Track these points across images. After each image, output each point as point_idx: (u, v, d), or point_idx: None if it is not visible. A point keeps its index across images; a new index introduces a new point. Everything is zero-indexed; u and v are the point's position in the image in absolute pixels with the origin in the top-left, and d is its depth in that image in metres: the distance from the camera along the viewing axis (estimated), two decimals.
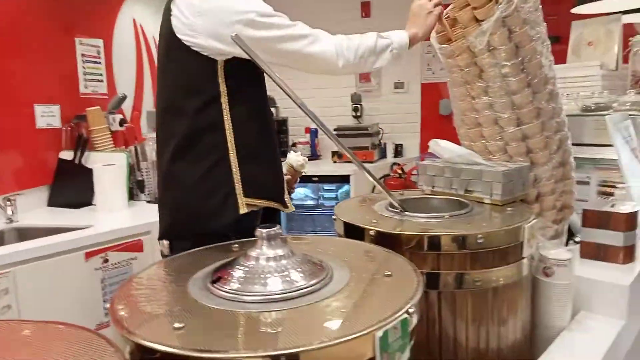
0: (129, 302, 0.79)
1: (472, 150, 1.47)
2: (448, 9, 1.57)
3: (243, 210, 1.43)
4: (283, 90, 1.09)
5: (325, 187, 4.17)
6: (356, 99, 4.40)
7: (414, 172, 4.11)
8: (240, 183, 1.44)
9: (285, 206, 1.63)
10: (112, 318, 0.72)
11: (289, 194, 1.78)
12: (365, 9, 4.35)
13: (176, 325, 0.68)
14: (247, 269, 0.83)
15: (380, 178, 3.80)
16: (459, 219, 1.18)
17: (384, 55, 1.53)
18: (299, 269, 0.83)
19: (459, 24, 1.49)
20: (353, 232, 1.16)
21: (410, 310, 0.71)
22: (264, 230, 0.86)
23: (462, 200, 1.33)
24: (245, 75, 1.44)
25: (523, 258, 1.09)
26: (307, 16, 4.43)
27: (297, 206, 4.26)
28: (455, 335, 1.05)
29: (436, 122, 4.30)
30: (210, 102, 1.41)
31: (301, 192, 4.21)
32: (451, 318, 1.04)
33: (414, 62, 4.32)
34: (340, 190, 4.12)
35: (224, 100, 1.41)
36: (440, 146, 1.40)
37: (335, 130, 3.96)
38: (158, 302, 0.80)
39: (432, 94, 4.32)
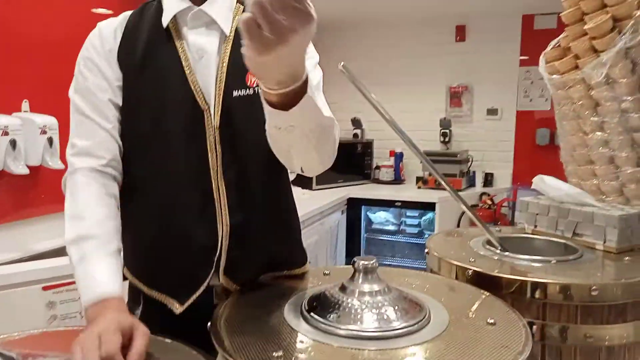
0: (228, 325, 0.82)
1: (581, 189, 1.35)
2: (560, 37, 1.48)
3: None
4: (382, 115, 1.08)
5: (408, 213, 4.07)
6: (445, 124, 4.28)
7: (504, 204, 3.89)
8: None
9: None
10: (215, 340, 0.75)
11: None
12: (460, 33, 4.25)
13: (275, 354, 0.69)
14: (343, 302, 0.82)
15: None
16: (567, 265, 1.09)
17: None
18: (396, 307, 0.81)
19: (573, 53, 1.40)
20: (448, 269, 1.11)
21: None
22: (361, 263, 0.85)
23: (569, 243, 1.23)
24: None
25: None
26: (401, 40, 4.43)
27: (377, 230, 4.23)
28: None
29: (531, 152, 4.05)
30: None
31: (382, 217, 4.15)
32: None
33: (510, 88, 4.13)
34: (423, 218, 4.01)
35: None
36: (546, 183, 1.31)
37: None
38: (255, 327, 0.81)
39: (528, 122, 4.09)
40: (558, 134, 1.54)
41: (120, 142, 0.91)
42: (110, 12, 0.93)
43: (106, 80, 0.90)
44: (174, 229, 0.91)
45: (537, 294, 0.97)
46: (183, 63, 0.90)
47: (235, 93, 0.90)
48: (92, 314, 0.73)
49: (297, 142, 0.77)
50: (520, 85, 4.12)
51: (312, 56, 0.93)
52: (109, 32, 0.92)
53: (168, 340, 0.74)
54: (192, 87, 0.90)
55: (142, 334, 0.68)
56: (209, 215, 0.90)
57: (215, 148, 0.90)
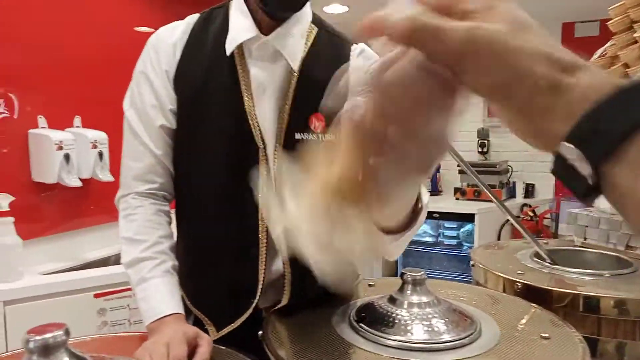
0: (278, 334, 0.83)
1: None
2: (607, 45, 1.45)
3: None
4: None
5: (446, 225, 4.01)
6: (483, 135, 4.21)
7: (547, 215, 3.78)
8: None
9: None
10: (268, 348, 0.76)
11: None
12: (568, 31, 4.16)
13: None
14: (392, 313, 0.82)
15: (508, 220, 3.56)
16: (622, 279, 1.05)
17: None
18: (446, 319, 0.80)
19: (622, 62, 1.36)
20: (495, 281, 1.09)
21: None
22: (410, 274, 0.85)
23: (622, 256, 1.19)
24: None
25: None
26: None
27: (414, 242, 4.17)
28: None
29: None
30: None
31: (420, 228, 4.10)
32: None
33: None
34: (462, 230, 3.94)
35: None
36: None
37: (459, 166, 3.82)
38: (305, 336, 0.82)
39: None
40: None
41: (171, 168, 0.90)
42: (152, 29, 0.92)
43: (160, 102, 0.87)
44: (217, 264, 0.90)
45: (591, 309, 0.94)
46: (244, 95, 0.84)
47: (297, 136, 0.84)
48: (154, 329, 0.75)
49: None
50: None
51: None
52: (167, 47, 0.87)
53: (223, 348, 0.76)
54: (251, 123, 0.84)
55: (206, 342, 0.71)
56: (252, 257, 0.87)
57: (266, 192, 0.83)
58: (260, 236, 0.87)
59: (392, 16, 0.29)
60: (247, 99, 0.84)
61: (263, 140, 0.84)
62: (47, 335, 0.53)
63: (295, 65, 0.84)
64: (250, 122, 0.84)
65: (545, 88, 0.28)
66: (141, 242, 0.84)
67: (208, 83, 0.85)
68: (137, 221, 0.86)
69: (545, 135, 0.29)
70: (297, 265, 0.88)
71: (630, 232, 1.20)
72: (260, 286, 0.87)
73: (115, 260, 2.01)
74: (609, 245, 1.24)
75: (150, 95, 0.87)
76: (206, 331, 0.89)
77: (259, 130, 0.84)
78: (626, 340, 0.91)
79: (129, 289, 1.75)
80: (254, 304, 0.87)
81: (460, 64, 0.28)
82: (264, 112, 0.85)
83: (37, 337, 0.53)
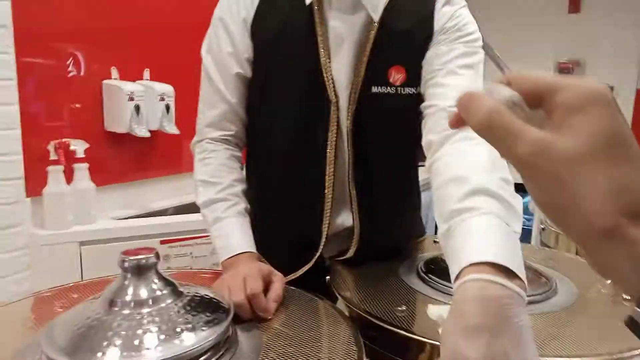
0: (347, 280, 0.84)
1: None
2: None
3: None
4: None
5: None
6: None
7: None
8: None
9: None
10: (337, 291, 0.78)
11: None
12: (574, 3, 3.89)
13: (399, 308, 0.70)
14: None
15: None
16: None
17: None
18: None
19: None
20: (566, 244, 1.05)
21: None
22: None
23: None
24: None
25: None
26: (508, 11, 4.15)
27: None
28: None
29: None
30: None
31: None
32: None
33: (629, 64, 3.73)
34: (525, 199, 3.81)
35: None
36: None
37: None
38: (373, 284, 0.83)
39: None
40: None
41: (245, 116, 0.91)
42: None
43: (236, 50, 0.86)
44: (282, 215, 0.92)
45: None
46: (320, 48, 0.81)
47: (374, 89, 0.82)
48: (230, 265, 0.78)
49: None
50: None
51: (477, 37, 0.81)
52: None
53: (293, 288, 0.78)
54: (325, 76, 0.82)
55: (279, 279, 0.73)
56: (316, 212, 0.87)
57: (335, 144, 0.83)
58: (325, 191, 0.86)
59: (473, 106, 0.29)
60: (322, 51, 0.82)
61: (336, 94, 0.82)
62: (140, 257, 0.56)
63: (376, 16, 0.80)
64: (324, 75, 0.82)
65: (601, 236, 0.25)
66: (216, 184, 0.86)
67: (284, 33, 0.83)
68: (212, 165, 0.88)
69: (603, 274, 0.27)
70: (367, 220, 0.88)
71: None
72: (323, 240, 0.88)
73: (173, 211, 2.11)
74: None
75: (227, 42, 0.86)
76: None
77: (332, 83, 0.82)
78: None
79: (192, 238, 1.84)
80: (316, 256, 0.88)
81: (524, 172, 0.27)
82: (341, 65, 0.82)
83: (131, 258, 0.56)
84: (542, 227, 1.14)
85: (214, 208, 0.84)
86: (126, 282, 0.56)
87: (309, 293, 0.77)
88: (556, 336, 0.64)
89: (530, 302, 0.72)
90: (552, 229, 1.10)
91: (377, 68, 0.81)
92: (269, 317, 0.67)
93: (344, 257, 0.91)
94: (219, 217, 0.83)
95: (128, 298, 0.55)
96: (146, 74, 2.01)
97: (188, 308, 0.56)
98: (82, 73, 1.83)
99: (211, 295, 0.61)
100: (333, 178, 0.85)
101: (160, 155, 2.11)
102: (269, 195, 0.93)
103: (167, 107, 1.98)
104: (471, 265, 0.48)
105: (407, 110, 0.81)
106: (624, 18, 3.72)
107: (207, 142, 0.90)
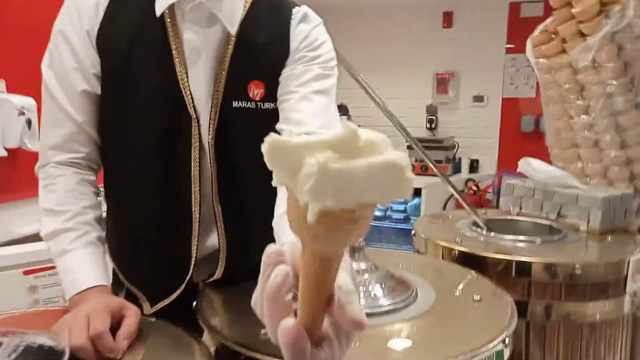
0: (212, 304, 0.81)
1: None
2: (547, 21, 1.48)
3: None
4: (372, 97, 1.07)
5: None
6: (431, 111, 4.30)
7: (489, 190, 3.93)
8: None
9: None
10: (201, 319, 0.74)
11: None
12: (447, 19, 4.25)
13: (263, 331, 0.68)
14: None
15: (453, 194, 3.67)
16: (552, 245, 1.10)
17: None
18: (382, 284, 0.81)
19: (560, 37, 1.40)
20: (434, 250, 1.11)
21: (506, 341, 0.66)
22: None
23: (554, 225, 1.24)
24: None
25: (625, 294, 1.00)
26: (387, 26, 4.40)
27: None
28: None
29: (517, 139, 4.09)
30: None
31: None
32: (540, 352, 0.97)
33: (496, 76, 4.15)
34: (410, 204, 4.03)
35: None
36: (532, 166, 1.32)
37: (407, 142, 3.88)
38: (240, 306, 0.80)
39: (513, 109, 4.13)
40: (544, 118, 1.55)
41: (97, 136, 0.83)
42: None
43: (81, 65, 0.78)
44: (148, 240, 0.85)
45: (523, 273, 0.98)
46: (176, 62, 0.78)
47: (235, 104, 0.80)
48: (78, 301, 0.70)
49: None
50: (506, 72, 4.15)
51: (331, 57, 0.83)
52: (89, 6, 0.79)
53: (153, 319, 0.73)
54: (183, 91, 0.78)
55: (134, 314, 0.67)
56: (185, 231, 0.83)
57: (199, 161, 0.80)
58: (193, 209, 0.82)
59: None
60: (178, 65, 0.78)
61: (195, 109, 0.79)
62: None
63: (233, 29, 0.78)
64: (182, 90, 0.78)
65: None
66: (62, 212, 0.77)
67: (135, 47, 0.78)
68: (58, 191, 0.79)
69: None
70: (233, 240, 0.85)
71: (562, 201, 1.26)
72: (193, 261, 0.83)
73: (38, 238, 1.90)
74: (542, 214, 1.30)
75: (70, 57, 0.78)
76: (140, 307, 0.85)
77: (191, 98, 0.78)
78: (553, 302, 0.95)
79: None
80: (187, 279, 0.84)
81: None
82: (198, 80, 0.79)
83: None
84: (413, 233, 1.20)
85: (59, 239, 0.75)
86: None
87: (173, 324, 0.72)
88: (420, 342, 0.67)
89: (393, 311, 0.76)
90: (422, 236, 1.16)
91: (236, 82, 0.79)
92: (118, 357, 0.61)
93: (213, 279, 0.87)
94: (65, 249, 0.74)
95: None
96: (1, 85, 1.80)
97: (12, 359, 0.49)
98: None
99: (41, 341, 0.54)
100: (199, 196, 0.81)
101: (23, 175, 1.90)
102: (133, 219, 0.86)
103: (29, 122, 1.79)
104: None
105: (269, 123, 0.80)
106: (489, 34, 4.13)
107: (52, 167, 0.80)
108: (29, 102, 1.79)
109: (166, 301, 0.84)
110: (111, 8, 0.79)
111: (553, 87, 1.40)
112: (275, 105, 0.81)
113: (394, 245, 3.99)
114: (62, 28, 0.79)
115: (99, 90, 0.80)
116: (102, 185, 0.90)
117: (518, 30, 3.96)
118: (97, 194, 0.85)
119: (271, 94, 0.81)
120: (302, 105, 0.77)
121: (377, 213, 4.15)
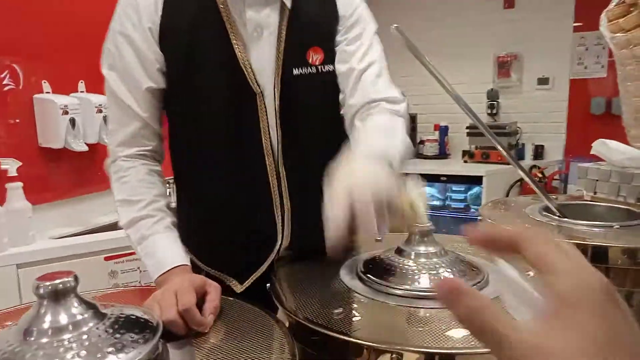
0: (287, 285, 0.84)
1: None
2: None
3: None
4: (440, 82, 1.05)
5: (454, 188, 4.00)
6: (493, 96, 4.14)
7: (556, 176, 3.74)
8: None
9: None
10: (276, 299, 0.77)
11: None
12: (509, 0, 4.06)
13: (335, 311, 0.70)
14: (399, 264, 0.82)
15: (517, 182, 3.54)
16: (632, 230, 1.04)
17: None
18: (453, 269, 0.80)
19: (637, 8, 1.31)
20: None
21: None
22: (417, 226, 0.85)
23: (633, 209, 1.17)
24: None
25: None
26: (446, 6, 4.26)
27: None
28: None
29: (586, 122, 3.85)
30: None
31: (426, 192, 4.10)
32: None
33: (563, 56, 3.92)
34: (470, 192, 3.93)
35: None
36: (608, 147, 1.25)
37: (468, 128, 3.77)
38: (313, 287, 0.83)
39: (582, 91, 3.89)
40: (620, 97, 1.45)
41: (160, 129, 0.88)
42: None
43: (144, 63, 0.82)
44: (229, 219, 0.90)
45: (600, 259, 0.93)
46: (234, 43, 0.82)
47: (295, 71, 0.85)
48: (163, 281, 0.75)
49: None
50: (574, 51, 3.91)
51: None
52: (147, 3, 0.82)
53: (230, 299, 0.77)
54: (245, 70, 0.83)
55: (215, 289, 0.71)
56: (266, 202, 0.88)
57: (269, 132, 0.85)
58: (270, 180, 0.87)
59: (456, 301, 0.28)
60: (238, 44, 0.82)
61: (259, 86, 0.84)
62: (57, 281, 0.53)
63: (289, 2, 0.84)
64: (244, 69, 0.83)
65: None
66: (137, 202, 0.83)
67: (195, 34, 0.82)
68: (131, 182, 0.84)
69: None
70: (297, 199, 0.90)
71: None
72: (280, 228, 0.90)
73: (117, 226, 2.03)
74: (619, 198, 1.23)
75: (132, 56, 0.83)
76: (228, 287, 0.91)
77: (253, 75, 0.84)
78: (634, 289, 0.91)
79: None
80: (277, 246, 0.90)
81: None
82: (262, 56, 0.84)
83: (47, 283, 0.53)
84: (480, 218, 1.18)
85: (138, 227, 0.81)
86: (42, 310, 0.53)
87: (248, 303, 0.76)
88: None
89: None
90: (489, 220, 1.14)
91: (296, 51, 0.85)
92: (206, 331, 0.65)
93: (284, 255, 0.93)
94: (144, 235, 0.80)
95: (45, 326, 0.52)
96: (81, 85, 1.94)
97: (111, 330, 0.54)
98: (20, 86, 1.73)
99: (137, 314, 0.59)
100: (274, 167, 0.87)
101: (101, 168, 2.03)
102: (211, 201, 0.91)
103: (106, 119, 1.91)
104: None
105: (328, 85, 0.88)
106: (555, 13, 3.91)
107: (122, 160, 0.86)
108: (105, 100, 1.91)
109: (256, 275, 0.90)
110: (169, 1, 0.82)
111: (631, 63, 1.31)
112: (333, 67, 0.88)
113: (454, 234, 3.90)
114: (121, 29, 0.83)
115: (162, 85, 0.85)
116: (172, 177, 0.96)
117: (586, 7, 3.72)
118: (163, 183, 0.91)
119: (329, 57, 0.87)
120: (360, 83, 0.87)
121: (436, 202, 4.08)
